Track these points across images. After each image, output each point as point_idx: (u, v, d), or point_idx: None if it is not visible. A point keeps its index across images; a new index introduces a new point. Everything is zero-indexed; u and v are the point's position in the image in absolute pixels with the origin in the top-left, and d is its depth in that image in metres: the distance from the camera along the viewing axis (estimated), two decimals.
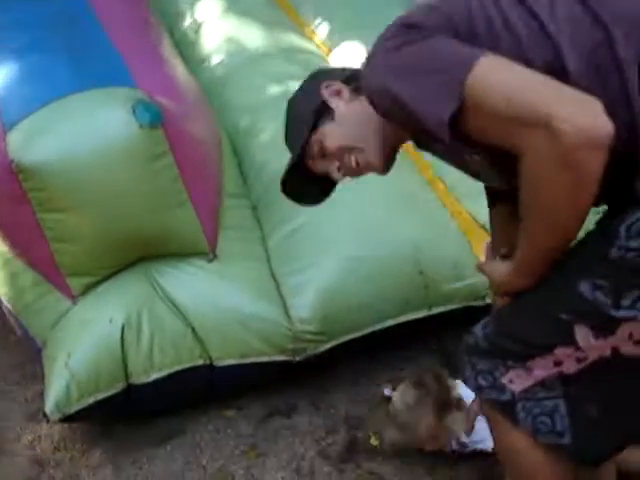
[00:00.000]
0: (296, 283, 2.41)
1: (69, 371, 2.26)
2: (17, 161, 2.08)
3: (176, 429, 2.48)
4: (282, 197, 2.65)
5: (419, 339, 2.61)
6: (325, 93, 1.56)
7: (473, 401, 1.87)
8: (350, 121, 1.55)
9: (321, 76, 1.63)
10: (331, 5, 3.83)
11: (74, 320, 2.36)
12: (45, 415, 2.31)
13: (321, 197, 1.80)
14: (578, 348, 1.33)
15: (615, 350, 1.31)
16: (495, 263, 1.57)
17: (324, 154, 1.58)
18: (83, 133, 2.15)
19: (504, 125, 1.19)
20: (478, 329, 1.49)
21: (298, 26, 3.88)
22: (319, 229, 2.51)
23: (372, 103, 1.38)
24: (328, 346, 2.39)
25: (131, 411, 2.44)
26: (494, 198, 1.73)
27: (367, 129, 1.53)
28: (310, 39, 3.76)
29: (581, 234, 1.32)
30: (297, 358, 2.39)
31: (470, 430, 1.95)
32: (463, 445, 2.14)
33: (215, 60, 3.55)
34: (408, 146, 2.90)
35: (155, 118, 2.13)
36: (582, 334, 1.32)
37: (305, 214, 2.55)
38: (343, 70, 1.66)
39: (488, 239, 2.47)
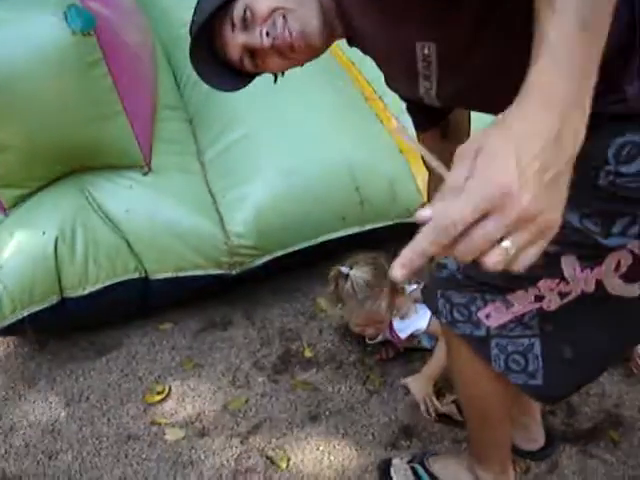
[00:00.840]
0: (232, 198, 2.40)
1: (2, 283, 2.23)
2: None
3: (112, 342, 2.49)
4: (218, 111, 2.65)
5: (354, 252, 2.65)
6: None
7: (415, 290, 1.93)
8: None
9: None
10: None
11: (5, 233, 2.32)
12: None
13: (238, 85, 1.44)
14: (563, 279, 1.27)
15: (599, 284, 1.25)
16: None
17: (248, 22, 1.29)
18: (13, 40, 2.06)
19: None
20: (450, 262, 1.41)
21: None
22: (255, 144, 2.49)
23: None
24: (264, 260, 2.41)
25: (66, 325, 2.44)
26: (427, 119, 1.54)
27: None
28: None
29: None
30: (233, 272, 2.40)
31: (405, 315, 2.08)
32: (398, 332, 2.22)
33: None
34: (348, 63, 2.91)
35: (88, 24, 2.05)
36: (568, 264, 1.25)
37: (241, 128, 2.53)
38: None
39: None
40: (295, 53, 1.31)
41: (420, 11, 1.09)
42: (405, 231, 2.51)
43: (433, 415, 2.05)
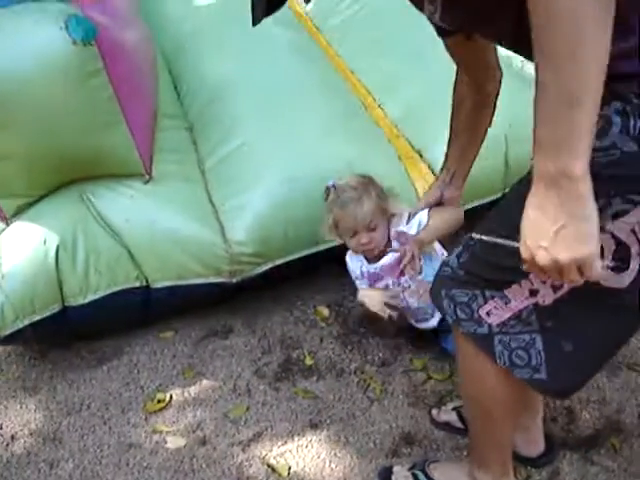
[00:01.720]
0: (233, 206, 2.41)
1: (3, 292, 2.24)
2: None
3: (113, 351, 2.50)
4: (219, 120, 2.66)
5: None
6: None
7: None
8: None
9: None
10: None
11: (7, 242, 2.33)
12: None
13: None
14: None
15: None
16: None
17: None
18: (13, 49, 2.07)
19: None
20: (452, 260, 1.48)
21: None
22: (255, 152, 2.50)
23: None
24: (265, 268, 2.41)
25: (68, 333, 2.44)
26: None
27: None
28: None
29: None
30: (234, 280, 2.40)
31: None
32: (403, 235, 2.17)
33: None
34: (347, 71, 2.93)
35: (89, 34, 2.06)
36: None
37: (241, 136, 2.55)
38: None
39: (423, 165, 2.53)
40: None
41: None
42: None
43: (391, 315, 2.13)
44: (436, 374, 2.30)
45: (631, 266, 1.25)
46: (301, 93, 2.71)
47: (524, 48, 0.98)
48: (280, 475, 2.01)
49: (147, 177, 2.39)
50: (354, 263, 2.27)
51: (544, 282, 1.32)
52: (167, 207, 2.37)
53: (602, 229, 1.15)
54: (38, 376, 2.43)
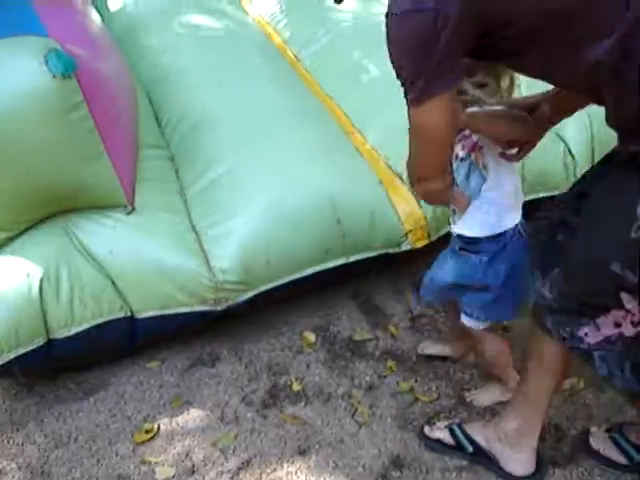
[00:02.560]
0: (216, 234, 2.42)
1: None
2: None
3: (99, 382, 2.48)
4: (201, 149, 2.68)
5: (338, 285, 2.67)
6: None
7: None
8: None
9: None
10: None
11: None
12: None
13: None
14: (628, 311, 1.61)
15: None
16: None
17: None
18: None
19: None
20: (545, 291, 1.71)
21: None
22: (237, 180, 2.52)
23: None
24: (249, 295, 2.42)
25: (53, 365, 2.43)
26: None
27: None
28: None
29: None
30: (219, 308, 2.41)
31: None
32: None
33: (129, 9, 3.50)
34: (326, 98, 2.96)
35: (68, 67, 2.07)
36: (627, 299, 1.59)
37: (223, 165, 2.56)
38: None
39: (404, 187, 2.55)
40: None
41: None
42: (389, 260, 2.54)
43: None
44: (423, 396, 2.31)
45: None
46: (282, 121, 2.73)
47: None
48: None
49: (130, 208, 2.40)
50: None
51: (624, 317, 1.63)
52: (150, 237, 2.38)
53: None
54: (25, 409, 2.41)
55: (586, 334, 1.69)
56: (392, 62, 1.50)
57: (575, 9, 1.36)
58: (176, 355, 2.56)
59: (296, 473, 2.09)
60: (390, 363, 2.44)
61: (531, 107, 1.84)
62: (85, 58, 2.23)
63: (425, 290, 2.19)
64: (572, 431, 2.13)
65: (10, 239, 2.35)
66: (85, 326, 2.32)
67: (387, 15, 1.45)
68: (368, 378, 2.40)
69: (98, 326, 2.34)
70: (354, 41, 3.17)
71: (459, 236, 2.01)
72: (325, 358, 2.48)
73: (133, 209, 2.41)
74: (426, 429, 2.14)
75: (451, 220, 2.04)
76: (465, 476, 2.03)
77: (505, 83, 1.85)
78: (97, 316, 2.33)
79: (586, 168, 1.85)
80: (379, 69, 2.97)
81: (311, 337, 2.57)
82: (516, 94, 1.90)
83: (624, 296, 1.59)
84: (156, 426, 2.29)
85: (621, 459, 1.99)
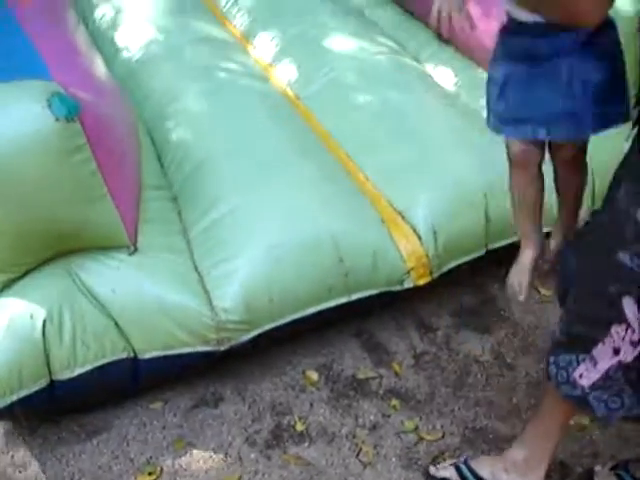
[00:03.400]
0: (218, 274, 2.42)
1: None
2: None
3: (102, 424, 2.47)
4: (203, 189, 2.70)
5: (341, 323, 2.67)
6: None
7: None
8: None
9: None
10: None
11: None
12: None
13: None
14: (629, 325, 1.56)
15: None
16: None
17: None
18: None
19: None
20: (559, 324, 1.75)
21: (215, 15, 3.91)
22: (239, 219, 2.53)
23: None
24: (252, 335, 2.41)
25: (56, 407, 2.42)
26: None
27: None
28: (227, 28, 3.79)
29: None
30: (221, 348, 2.40)
31: None
32: None
33: (132, 50, 3.54)
34: (327, 139, 2.99)
35: (72, 111, 2.10)
36: (629, 307, 1.54)
37: (226, 205, 2.58)
38: None
39: (405, 225, 2.57)
40: None
41: None
42: (392, 297, 2.55)
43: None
44: (428, 435, 2.30)
45: None
46: (283, 160, 2.75)
47: None
48: None
49: (132, 248, 2.41)
50: None
51: (623, 338, 1.58)
52: (153, 277, 2.38)
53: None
54: (27, 452, 2.40)
55: (581, 375, 1.67)
56: None
57: None
58: (179, 396, 2.55)
59: None
60: (394, 402, 2.43)
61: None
62: (88, 101, 2.26)
63: None
64: (578, 468, 2.12)
65: (12, 280, 2.35)
66: (88, 367, 2.32)
67: None
68: (372, 417, 2.39)
69: (101, 367, 2.33)
70: (354, 81, 3.20)
71: None
72: (328, 397, 2.47)
73: (136, 249, 2.42)
74: (432, 469, 2.13)
75: None
76: None
77: None
78: (100, 357, 2.33)
79: None
80: (379, 108, 3.00)
81: (314, 376, 2.56)
82: None
83: (627, 303, 1.55)
84: (159, 468, 2.28)
85: None
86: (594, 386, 1.68)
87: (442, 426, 2.33)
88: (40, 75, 2.27)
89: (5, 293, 2.34)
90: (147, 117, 3.16)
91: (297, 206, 2.54)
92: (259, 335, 2.43)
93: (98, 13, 3.86)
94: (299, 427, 2.37)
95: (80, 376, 2.31)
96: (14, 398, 2.26)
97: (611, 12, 1.63)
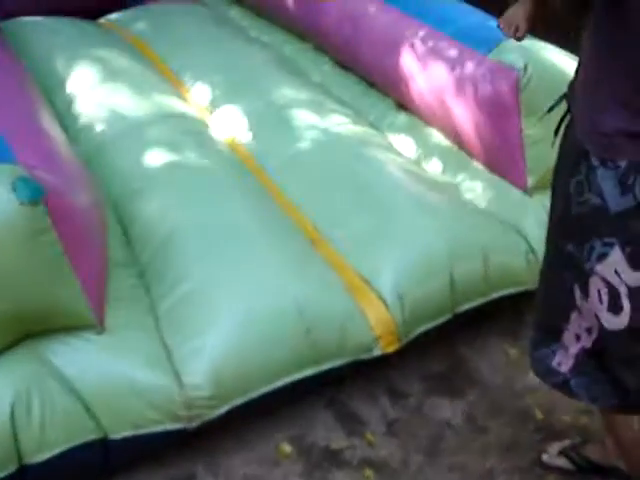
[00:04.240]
0: (187, 351, 2.42)
1: None
2: None
3: None
4: (170, 265, 2.71)
5: (313, 393, 2.66)
6: None
7: None
8: None
9: None
10: (210, 69, 3.96)
11: None
12: None
13: None
14: (580, 311, 1.68)
15: (597, 319, 1.66)
16: None
17: None
18: None
19: None
20: (532, 324, 1.91)
21: (177, 89, 3.97)
22: (206, 294, 2.54)
23: None
24: (223, 410, 2.40)
25: None
26: None
27: None
28: (189, 102, 3.85)
29: None
30: (193, 424, 2.39)
31: None
32: None
33: (96, 129, 3.57)
34: (292, 208, 3.02)
35: (36, 194, 2.12)
36: (577, 294, 1.66)
37: (193, 280, 2.59)
38: None
39: (372, 293, 2.59)
40: None
41: None
42: (363, 365, 2.55)
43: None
44: None
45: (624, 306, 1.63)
46: (249, 232, 2.78)
47: None
48: None
49: (100, 328, 2.40)
50: None
51: (579, 325, 1.70)
52: (121, 356, 2.38)
53: (595, 273, 1.58)
54: None
55: (559, 363, 1.79)
56: None
57: None
58: (153, 475, 2.50)
59: None
60: (368, 472, 2.42)
61: None
62: (53, 183, 2.27)
63: None
64: None
65: None
66: (58, 450, 2.28)
67: None
68: None
69: (71, 449, 2.30)
70: (317, 153, 3.26)
71: None
72: (302, 470, 2.45)
73: (103, 329, 2.41)
74: None
75: None
76: None
77: None
78: (70, 439, 2.29)
79: None
80: (345, 180, 3.05)
81: (287, 448, 2.54)
82: None
83: (575, 290, 1.67)
84: None
85: None
86: (573, 372, 1.78)
87: None
88: (3, 156, 2.29)
89: None
90: (113, 194, 3.18)
91: (262, 279, 2.57)
92: (230, 410, 2.42)
93: (62, 92, 3.90)
94: None
95: (50, 459, 2.28)
96: None
97: None
